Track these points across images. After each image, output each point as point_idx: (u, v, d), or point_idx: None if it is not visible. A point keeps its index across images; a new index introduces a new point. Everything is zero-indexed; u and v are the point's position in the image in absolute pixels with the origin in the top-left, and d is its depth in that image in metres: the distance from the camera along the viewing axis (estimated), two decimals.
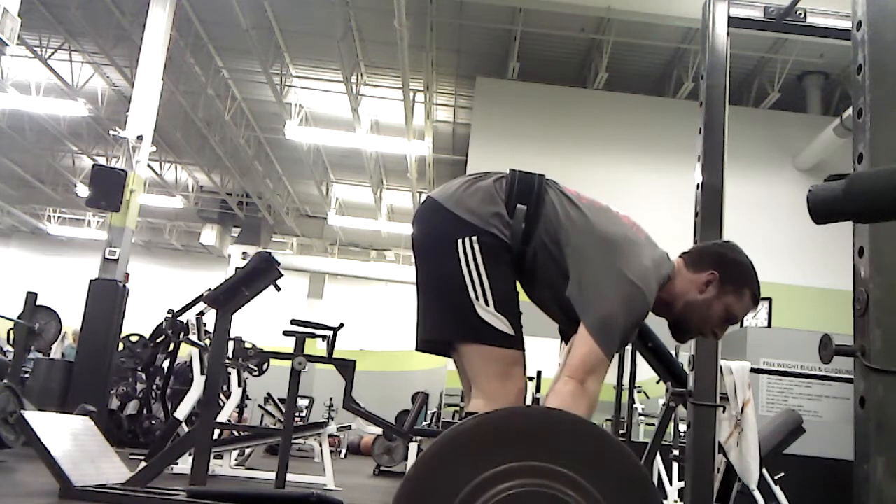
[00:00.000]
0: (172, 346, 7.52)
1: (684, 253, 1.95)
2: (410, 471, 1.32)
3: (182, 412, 5.14)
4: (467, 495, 1.26)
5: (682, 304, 1.87)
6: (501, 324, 1.76)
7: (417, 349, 1.93)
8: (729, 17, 2.14)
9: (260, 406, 10.12)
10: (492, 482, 1.26)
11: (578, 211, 1.83)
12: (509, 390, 1.75)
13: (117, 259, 7.89)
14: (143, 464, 4.26)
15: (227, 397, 6.58)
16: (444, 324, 1.83)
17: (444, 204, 1.84)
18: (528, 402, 7.19)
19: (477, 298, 1.75)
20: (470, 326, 1.76)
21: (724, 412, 2.39)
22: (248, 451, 6.36)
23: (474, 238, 1.77)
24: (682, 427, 5.15)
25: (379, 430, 7.36)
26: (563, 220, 1.81)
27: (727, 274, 1.85)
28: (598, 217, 1.84)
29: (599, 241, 1.79)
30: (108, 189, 7.79)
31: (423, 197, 1.94)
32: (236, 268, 5.40)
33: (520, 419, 1.36)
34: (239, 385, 6.34)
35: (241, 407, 8.95)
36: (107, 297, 7.74)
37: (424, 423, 10.36)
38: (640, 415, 7.42)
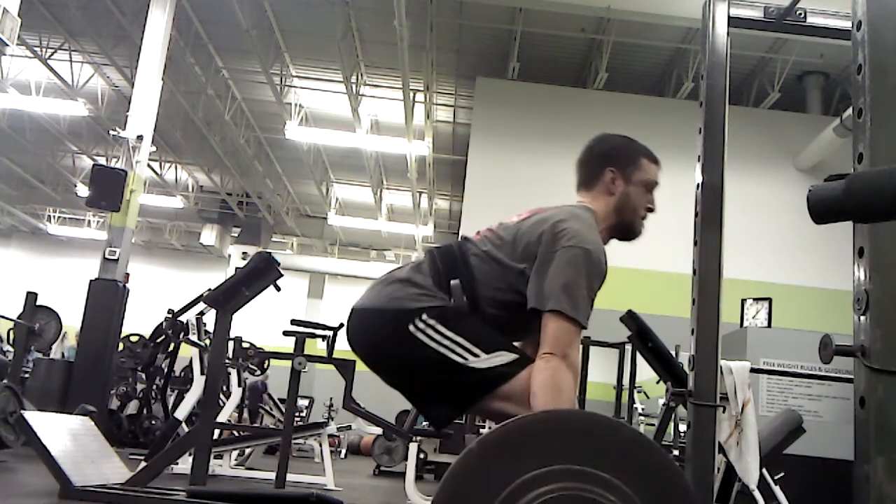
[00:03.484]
0: (172, 346, 7.52)
1: (578, 187, 2.01)
2: (452, 469, 1.31)
3: (182, 412, 5.14)
4: (507, 497, 1.26)
5: (614, 217, 1.94)
6: (504, 358, 1.73)
7: (438, 429, 1.88)
8: (729, 17, 2.13)
9: (260, 406, 10.11)
10: (532, 484, 1.26)
11: (497, 247, 1.83)
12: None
13: (117, 259, 7.88)
14: (143, 464, 4.26)
15: (227, 397, 6.58)
16: (457, 402, 1.77)
17: (375, 307, 1.80)
18: None
19: (466, 359, 1.70)
20: (481, 383, 1.71)
21: (724, 412, 2.38)
22: (248, 451, 6.36)
23: (424, 316, 1.73)
24: (682, 427, 5.15)
25: (379, 430, 7.36)
26: (497, 265, 1.81)
27: (616, 160, 1.95)
28: (514, 229, 1.85)
29: (531, 248, 1.79)
30: (108, 189, 7.79)
31: (348, 311, 1.86)
32: (236, 268, 5.41)
33: (563, 422, 1.36)
34: (239, 385, 6.34)
35: (241, 407, 8.95)
36: (107, 297, 7.74)
37: (424, 424, 10.34)
38: (640, 415, 7.43)
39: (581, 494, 1.25)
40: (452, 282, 1.78)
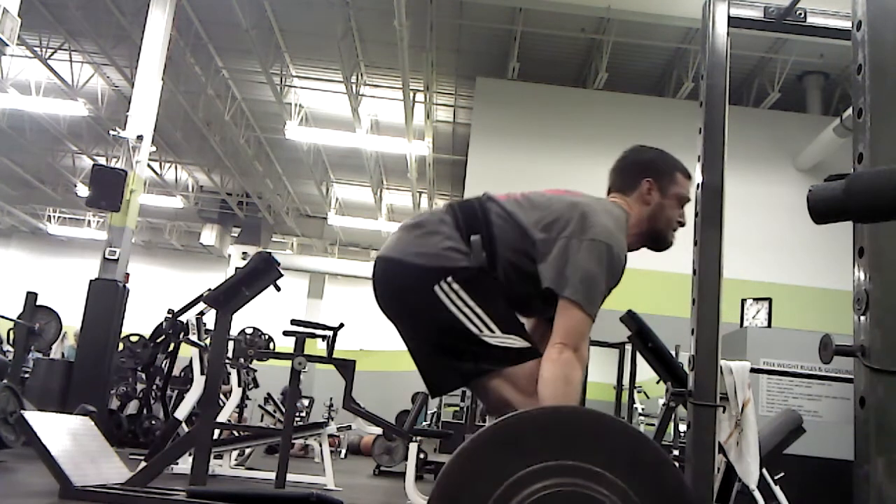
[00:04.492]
0: (172, 346, 7.53)
1: (609, 190, 2.05)
2: (447, 467, 1.30)
3: (182, 412, 5.14)
4: (503, 494, 1.25)
5: (646, 225, 1.98)
6: (515, 342, 1.75)
7: (435, 397, 1.93)
8: (729, 17, 2.13)
9: (260, 406, 10.12)
10: (528, 481, 1.26)
11: (523, 212, 1.85)
12: None
13: (117, 259, 7.89)
14: (143, 464, 4.26)
15: (227, 396, 6.58)
16: (461, 367, 1.79)
17: (403, 259, 1.81)
18: None
19: (481, 331, 1.73)
20: (488, 358, 1.74)
21: (724, 412, 2.38)
22: (248, 451, 6.36)
23: (449, 278, 1.75)
24: (682, 427, 5.15)
25: (379, 430, 7.36)
26: (516, 229, 1.82)
27: (654, 171, 1.99)
28: (544, 202, 1.87)
29: (556, 226, 1.80)
30: (108, 189, 7.79)
31: (374, 261, 1.89)
32: (236, 268, 5.40)
33: (559, 419, 1.36)
34: (239, 385, 6.34)
35: (241, 407, 8.95)
36: (107, 297, 7.74)
37: (424, 423, 10.37)
38: (640, 415, 7.42)
39: (577, 490, 1.25)
40: (473, 237, 1.80)
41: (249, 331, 8.38)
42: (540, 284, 1.78)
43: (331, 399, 13.27)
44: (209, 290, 4.51)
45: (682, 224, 2.04)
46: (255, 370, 8.31)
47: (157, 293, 14.50)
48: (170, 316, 6.98)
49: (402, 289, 1.82)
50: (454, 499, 1.28)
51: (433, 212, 1.89)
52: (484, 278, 1.78)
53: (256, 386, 8.80)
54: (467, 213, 1.85)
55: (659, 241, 2.02)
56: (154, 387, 7.94)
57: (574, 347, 1.70)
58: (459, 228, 1.81)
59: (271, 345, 8.62)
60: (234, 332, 5.37)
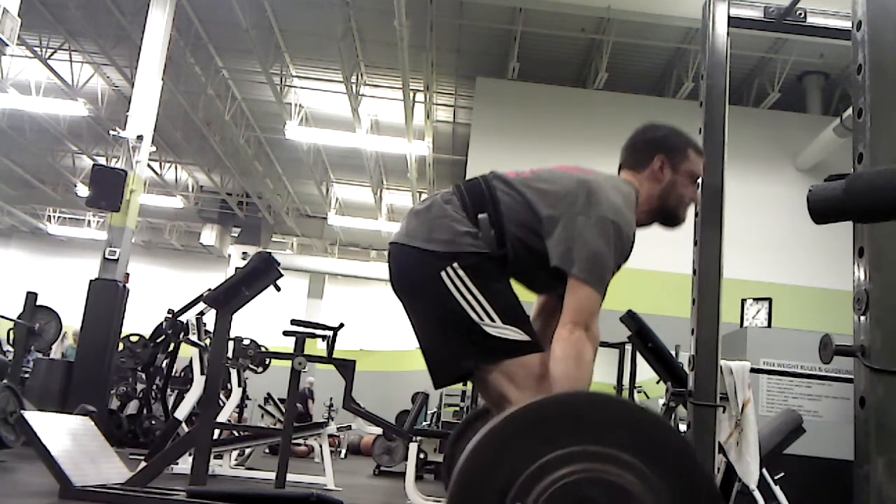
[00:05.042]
0: (172, 346, 7.52)
1: (620, 167, 2.03)
2: (468, 452, 1.29)
3: (182, 412, 5.14)
4: (527, 479, 1.24)
5: (657, 202, 1.95)
6: (515, 334, 1.74)
7: (437, 388, 1.91)
8: (729, 17, 2.14)
9: (260, 406, 10.12)
10: (551, 467, 1.25)
11: (530, 188, 1.84)
12: (549, 391, 1.74)
13: (117, 259, 7.89)
14: (143, 464, 4.26)
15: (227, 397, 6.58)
16: (460, 357, 1.79)
17: (411, 244, 1.82)
18: None
19: (482, 320, 1.73)
20: (486, 348, 1.74)
21: (724, 412, 2.38)
22: (248, 451, 6.36)
23: (455, 264, 1.75)
24: (682, 427, 5.15)
25: (379, 430, 7.37)
26: (524, 205, 1.82)
27: (667, 148, 1.96)
28: (553, 178, 1.87)
29: (564, 202, 1.80)
30: (108, 189, 7.79)
31: (388, 246, 1.92)
32: (236, 268, 5.40)
33: (585, 403, 1.34)
34: (239, 385, 6.34)
35: (241, 407, 8.94)
36: (107, 297, 7.74)
37: (424, 423, 10.37)
38: None
39: (601, 476, 1.24)
40: (480, 216, 1.80)
41: (246, 342, 8.32)
42: (548, 261, 1.78)
43: (331, 399, 13.27)
44: (209, 290, 4.51)
45: (694, 201, 2.03)
46: (256, 370, 8.30)
47: (157, 293, 14.50)
48: (170, 316, 6.98)
49: (410, 274, 1.84)
50: (476, 485, 1.26)
51: (441, 194, 1.89)
52: (489, 265, 1.78)
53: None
54: (473, 192, 1.84)
55: (671, 218, 2.01)
56: (154, 387, 7.94)
57: (585, 326, 1.70)
58: (466, 208, 1.81)
59: (267, 359, 8.57)
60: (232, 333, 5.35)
